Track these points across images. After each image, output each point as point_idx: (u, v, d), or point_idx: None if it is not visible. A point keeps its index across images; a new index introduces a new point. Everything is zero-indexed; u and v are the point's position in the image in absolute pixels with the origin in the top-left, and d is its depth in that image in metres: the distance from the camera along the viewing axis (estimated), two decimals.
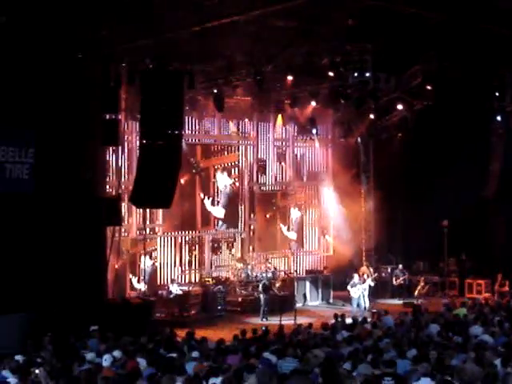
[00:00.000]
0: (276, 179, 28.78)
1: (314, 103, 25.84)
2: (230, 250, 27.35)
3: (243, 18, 17.36)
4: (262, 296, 23.95)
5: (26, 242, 17.46)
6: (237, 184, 27.51)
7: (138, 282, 23.96)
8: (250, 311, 24.42)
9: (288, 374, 10.51)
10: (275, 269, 26.72)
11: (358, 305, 23.63)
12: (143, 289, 23.67)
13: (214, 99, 23.54)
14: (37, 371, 11.06)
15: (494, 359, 11.86)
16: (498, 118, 27.10)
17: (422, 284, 27.08)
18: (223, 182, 27.02)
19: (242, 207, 27.77)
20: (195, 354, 13.36)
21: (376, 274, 25.86)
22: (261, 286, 24.24)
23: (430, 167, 27.34)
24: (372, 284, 24.23)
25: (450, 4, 17.31)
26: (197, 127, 25.94)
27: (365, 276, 24.58)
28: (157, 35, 18.29)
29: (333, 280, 27.21)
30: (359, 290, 23.68)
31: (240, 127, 27.50)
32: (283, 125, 28.04)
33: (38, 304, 17.34)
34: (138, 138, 21.49)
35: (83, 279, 18.51)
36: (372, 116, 27.49)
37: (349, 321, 18.62)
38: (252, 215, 27.92)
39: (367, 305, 23.87)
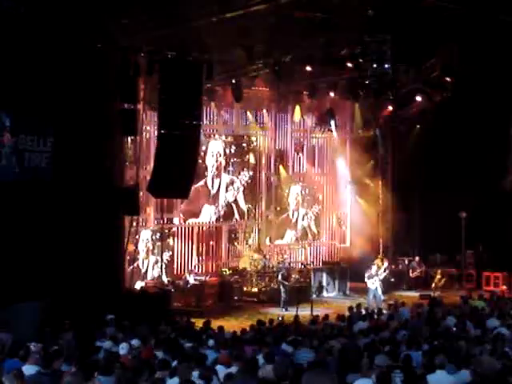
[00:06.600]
0: (293, 170, 28.78)
1: (332, 94, 25.78)
2: (247, 241, 27.38)
3: (263, 8, 17.30)
4: (281, 286, 24.00)
5: (44, 230, 17.50)
6: None
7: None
8: (266, 301, 24.46)
9: (306, 366, 10.48)
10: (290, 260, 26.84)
11: (375, 296, 23.56)
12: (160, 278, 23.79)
13: (233, 89, 23.54)
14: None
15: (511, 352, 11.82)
16: None
17: (438, 276, 26.91)
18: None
19: (260, 197, 27.77)
20: (211, 343, 13.40)
21: (387, 265, 25.16)
22: (280, 275, 24.24)
23: (448, 159, 27.19)
24: (381, 277, 23.87)
25: None
26: (215, 118, 25.94)
27: (376, 267, 24.23)
28: (176, 25, 18.29)
29: (349, 271, 27.19)
30: (376, 281, 23.62)
31: (258, 118, 27.48)
32: (301, 116, 27.97)
33: (55, 292, 17.41)
34: (156, 128, 21.50)
35: (101, 268, 18.58)
36: (391, 107, 27.37)
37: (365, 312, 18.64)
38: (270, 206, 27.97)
39: (381, 297, 23.74)
